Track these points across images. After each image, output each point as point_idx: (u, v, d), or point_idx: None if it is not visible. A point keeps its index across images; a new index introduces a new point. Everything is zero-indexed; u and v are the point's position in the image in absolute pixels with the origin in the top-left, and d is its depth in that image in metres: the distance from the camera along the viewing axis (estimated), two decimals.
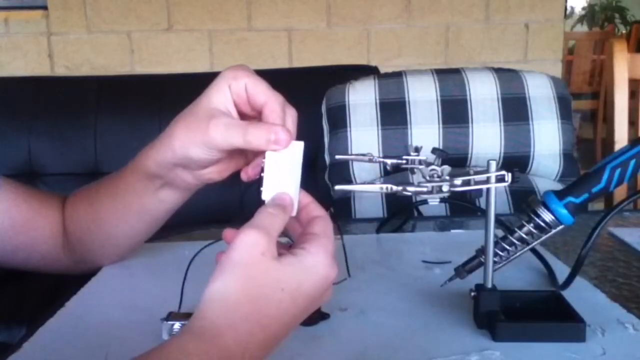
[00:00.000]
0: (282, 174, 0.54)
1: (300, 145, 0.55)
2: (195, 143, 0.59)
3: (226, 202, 1.57)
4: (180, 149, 0.61)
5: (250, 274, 0.47)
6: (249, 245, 0.47)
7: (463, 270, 0.65)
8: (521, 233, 0.62)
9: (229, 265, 0.47)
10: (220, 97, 0.59)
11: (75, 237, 0.75)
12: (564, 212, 0.60)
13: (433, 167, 0.58)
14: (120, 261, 0.81)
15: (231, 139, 0.57)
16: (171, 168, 0.64)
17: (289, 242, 0.55)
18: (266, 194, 0.53)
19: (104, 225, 0.73)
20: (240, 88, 0.59)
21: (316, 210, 0.54)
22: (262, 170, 0.54)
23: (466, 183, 0.58)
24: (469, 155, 1.37)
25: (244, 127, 0.56)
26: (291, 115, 0.59)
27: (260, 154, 0.57)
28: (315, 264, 0.49)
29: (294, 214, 0.53)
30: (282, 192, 0.53)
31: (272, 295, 0.47)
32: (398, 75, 1.44)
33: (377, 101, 1.39)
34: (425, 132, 1.36)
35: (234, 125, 0.57)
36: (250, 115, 0.60)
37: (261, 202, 0.53)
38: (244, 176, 0.59)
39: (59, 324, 0.66)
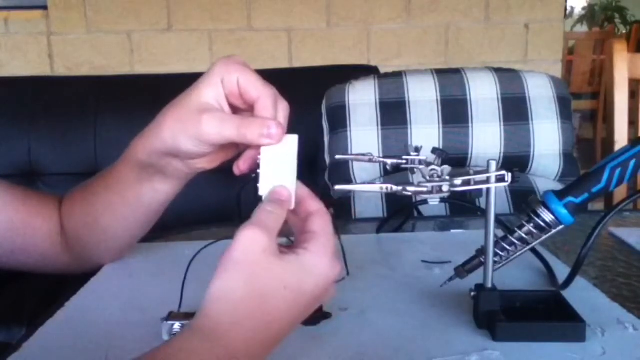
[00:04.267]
0: (277, 168, 0.54)
1: (294, 139, 0.55)
2: (185, 135, 0.59)
3: (226, 202, 1.57)
4: (170, 139, 0.61)
5: (253, 272, 0.47)
6: (248, 243, 0.47)
7: (463, 270, 0.65)
8: (521, 233, 0.62)
9: (230, 264, 0.47)
10: (212, 91, 0.59)
11: (73, 235, 0.75)
12: (564, 212, 0.60)
13: (433, 167, 0.58)
14: (120, 260, 0.81)
15: (225, 133, 0.57)
16: (161, 157, 0.64)
17: (289, 242, 0.55)
18: (263, 189, 0.53)
19: (100, 219, 0.73)
20: (233, 82, 0.58)
21: (313, 204, 0.54)
22: (257, 166, 0.54)
23: (466, 183, 0.58)
24: (469, 155, 1.37)
25: (237, 121, 0.57)
26: (283, 109, 0.59)
27: (251, 146, 0.56)
28: (317, 263, 0.49)
29: (292, 207, 0.53)
30: (278, 186, 0.53)
31: (275, 293, 0.47)
32: (398, 75, 1.43)
33: (377, 101, 1.39)
34: (425, 132, 1.36)
35: (227, 119, 0.58)
36: (242, 108, 0.60)
37: (259, 199, 0.53)
38: (236, 170, 0.59)
39: (59, 324, 0.66)
